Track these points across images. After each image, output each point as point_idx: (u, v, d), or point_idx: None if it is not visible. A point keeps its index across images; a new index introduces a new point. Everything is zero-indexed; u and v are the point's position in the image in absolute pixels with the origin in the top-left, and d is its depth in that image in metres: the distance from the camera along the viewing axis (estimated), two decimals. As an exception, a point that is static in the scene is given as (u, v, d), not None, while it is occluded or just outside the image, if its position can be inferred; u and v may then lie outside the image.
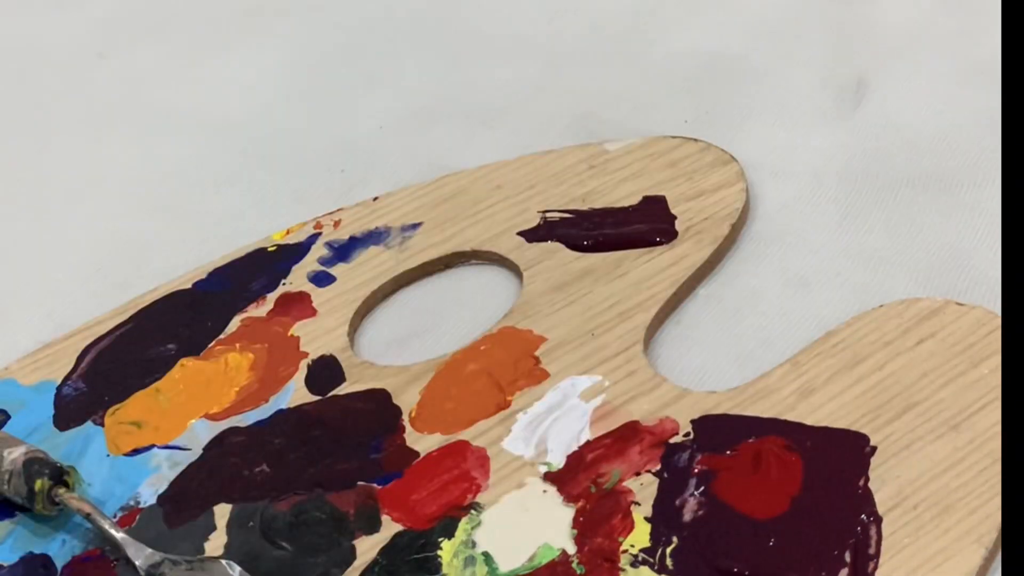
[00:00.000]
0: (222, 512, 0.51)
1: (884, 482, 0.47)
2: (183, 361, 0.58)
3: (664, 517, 0.48)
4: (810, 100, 0.67)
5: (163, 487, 0.52)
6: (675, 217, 0.60)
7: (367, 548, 0.49)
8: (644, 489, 0.49)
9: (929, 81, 0.67)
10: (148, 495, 0.52)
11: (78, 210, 0.70)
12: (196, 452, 0.54)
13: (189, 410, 0.56)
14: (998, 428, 0.48)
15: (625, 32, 0.76)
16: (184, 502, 0.52)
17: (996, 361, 0.50)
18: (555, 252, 0.59)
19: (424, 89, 0.74)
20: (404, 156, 0.69)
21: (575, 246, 0.59)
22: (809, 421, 0.50)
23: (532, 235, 0.61)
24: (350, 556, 0.49)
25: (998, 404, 0.49)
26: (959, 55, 0.68)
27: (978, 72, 0.66)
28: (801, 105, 0.67)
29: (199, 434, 0.54)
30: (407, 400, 0.54)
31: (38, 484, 0.51)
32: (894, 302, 0.54)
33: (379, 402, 0.54)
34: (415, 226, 0.62)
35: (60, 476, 0.51)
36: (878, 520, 0.46)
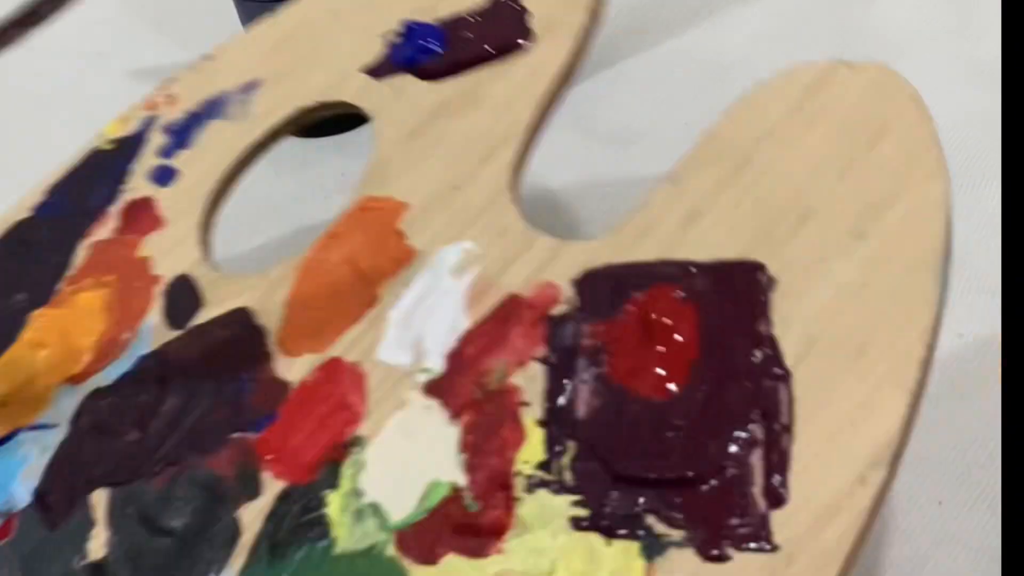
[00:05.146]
0: (101, 500, 0.47)
1: (788, 324, 0.41)
2: (35, 314, 0.52)
3: (557, 417, 0.42)
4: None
5: (37, 480, 0.48)
6: (526, 11, 0.52)
7: (252, 518, 0.44)
8: (532, 384, 0.43)
9: (929, 81, 0.62)
10: (22, 494, 0.48)
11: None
12: (64, 428, 0.49)
13: (50, 376, 0.51)
14: (905, 227, 0.41)
15: (626, 32, 0.75)
16: (59, 495, 0.47)
17: (895, 136, 0.43)
18: (405, 87, 0.52)
19: None
20: None
21: (426, 73, 0.52)
22: (700, 255, 0.43)
23: (379, 70, 0.53)
24: (235, 532, 0.44)
25: (904, 194, 0.42)
26: (959, 55, 0.67)
27: (978, 72, 0.65)
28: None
29: (63, 404, 0.49)
30: (271, 316, 0.49)
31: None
32: (777, 74, 0.46)
33: (242, 325, 0.49)
34: (254, 85, 0.55)
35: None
36: (786, 377, 0.40)
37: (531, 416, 0.43)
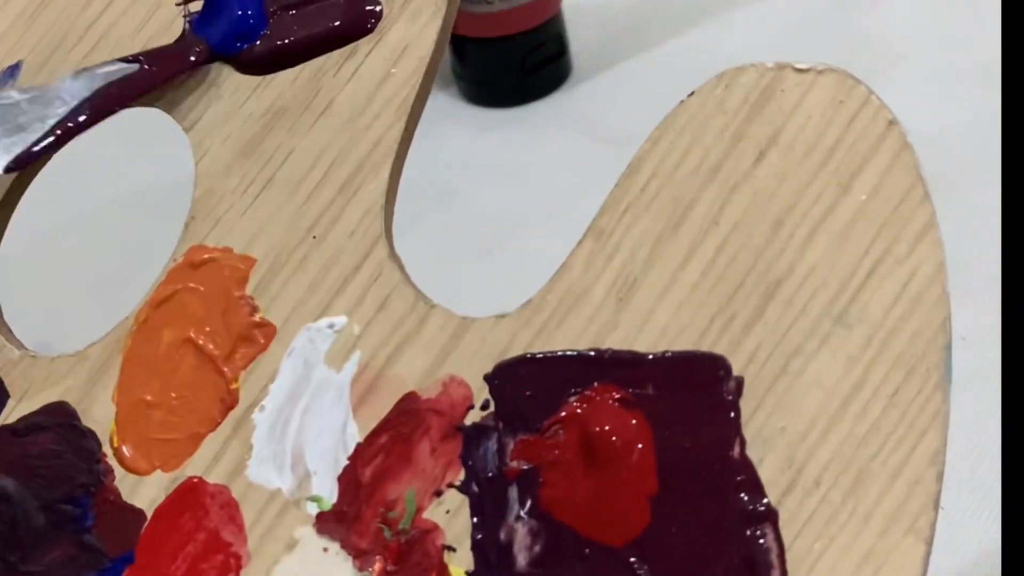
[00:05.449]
0: None
1: (766, 443, 0.34)
2: None
3: (491, 568, 0.35)
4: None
5: None
6: (370, -25, 0.41)
7: None
8: (453, 519, 0.35)
9: (929, 82, 0.68)
10: None
11: None
12: None
13: None
14: (899, 311, 0.34)
15: (626, 32, 0.76)
16: None
17: (874, 177, 0.35)
18: (223, 82, 0.41)
19: None
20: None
21: (247, 63, 0.41)
22: (641, 342, 0.35)
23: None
24: None
25: (891, 260, 0.34)
26: (959, 56, 0.69)
27: (978, 72, 0.66)
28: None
29: None
30: (99, 415, 0.39)
31: None
32: (708, 81, 0.37)
33: (64, 427, 0.39)
34: (14, 69, 0.43)
35: None
36: (772, 517, 0.33)
37: (459, 564, 0.35)
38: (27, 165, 0.40)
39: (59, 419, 0.39)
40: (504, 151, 0.68)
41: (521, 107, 0.73)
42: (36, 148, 0.39)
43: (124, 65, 0.40)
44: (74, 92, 0.40)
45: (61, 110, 0.39)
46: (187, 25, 0.42)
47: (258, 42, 0.41)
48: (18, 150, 0.39)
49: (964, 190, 0.59)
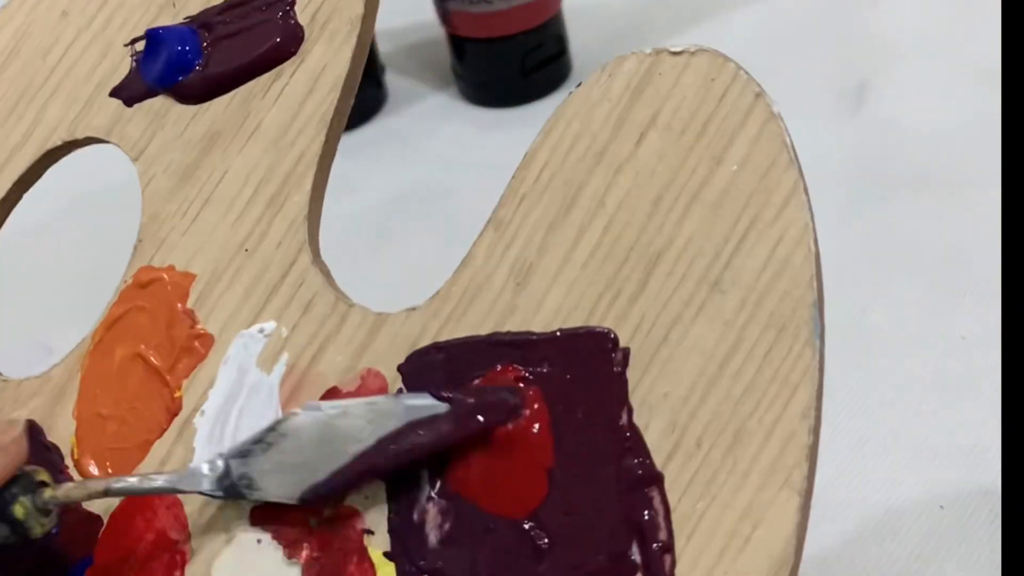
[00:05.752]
0: None
1: (652, 409, 0.35)
2: None
3: (406, 548, 0.37)
4: (813, 102, 0.69)
5: None
6: (292, 2, 0.43)
7: None
8: (372, 505, 0.37)
9: (930, 82, 0.68)
10: None
11: None
12: None
13: None
14: (769, 273, 0.35)
15: (626, 32, 0.77)
16: None
17: (743, 148, 0.36)
18: (166, 113, 0.44)
19: None
20: None
21: (185, 93, 0.44)
22: (537, 323, 0.37)
23: (128, 91, 0.45)
24: None
25: (760, 226, 0.35)
26: (960, 57, 0.70)
27: (978, 73, 0.67)
28: (804, 107, 0.67)
29: None
30: (62, 430, 0.42)
31: (19, 509, 0.37)
32: (594, 72, 0.39)
33: (34, 444, 0.42)
34: (-15, 122, 0.47)
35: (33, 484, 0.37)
36: (659, 480, 0.35)
37: (378, 546, 0.37)
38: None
39: (30, 435, 0.42)
40: (504, 151, 0.68)
41: (521, 107, 0.74)
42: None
43: (433, 403, 0.36)
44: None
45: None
46: (134, 63, 0.44)
47: (194, 72, 0.43)
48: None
49: (964, 190, 0.60)
